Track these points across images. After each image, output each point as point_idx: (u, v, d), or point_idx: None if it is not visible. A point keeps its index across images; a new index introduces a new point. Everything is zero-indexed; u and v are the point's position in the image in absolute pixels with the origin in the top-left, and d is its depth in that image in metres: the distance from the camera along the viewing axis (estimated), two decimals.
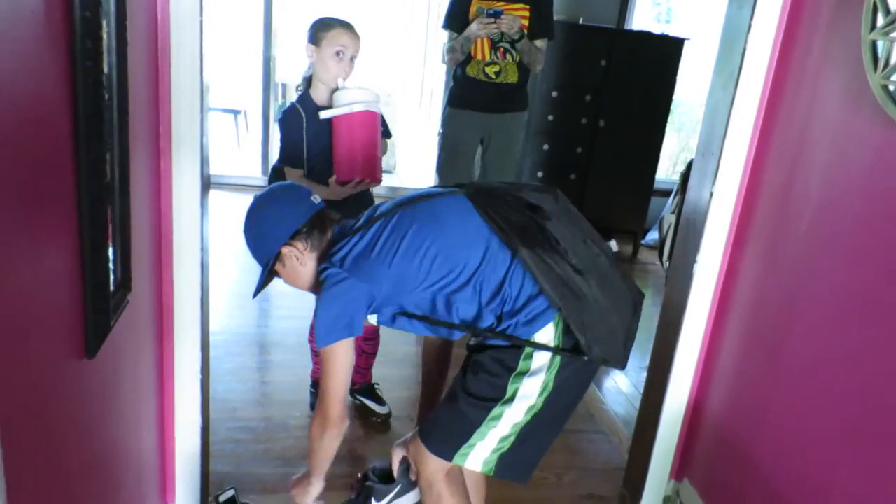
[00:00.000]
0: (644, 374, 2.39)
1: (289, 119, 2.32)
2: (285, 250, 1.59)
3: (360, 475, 1.79)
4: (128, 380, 1.53)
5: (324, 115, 2.24)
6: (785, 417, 1.80)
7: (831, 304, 1.66)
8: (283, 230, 1.58)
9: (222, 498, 1.94)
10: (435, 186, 1.66)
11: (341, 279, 1.51)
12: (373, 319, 1.60)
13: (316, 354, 2.64)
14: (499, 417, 1.52)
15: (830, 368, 1.65)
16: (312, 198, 1.62)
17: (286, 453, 2.38)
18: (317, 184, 2.26)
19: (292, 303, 3.39)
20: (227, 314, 3.43)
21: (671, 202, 3.37)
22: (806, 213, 1.77)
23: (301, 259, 1.60)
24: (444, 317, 1.54)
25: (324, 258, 1.59)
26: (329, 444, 1.62)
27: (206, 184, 1.82)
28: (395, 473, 1.71)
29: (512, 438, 1.55)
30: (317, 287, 1.59)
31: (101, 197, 1.14)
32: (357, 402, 2.73)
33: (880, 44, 1.52)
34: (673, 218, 3.04)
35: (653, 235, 5.29)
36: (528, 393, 1.51)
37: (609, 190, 4.92)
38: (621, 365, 1.57)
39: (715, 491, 2.09)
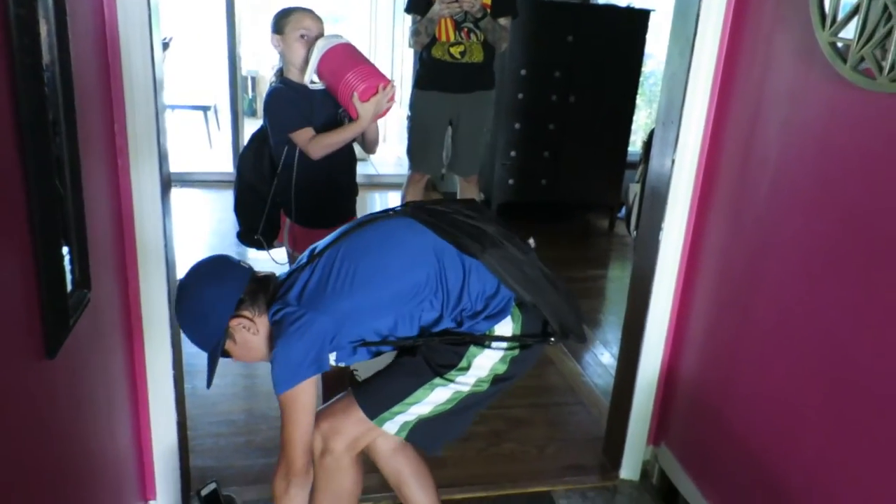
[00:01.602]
0: None
1: (279, 93, 2.30)
2: (233, 324, 1.49)
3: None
4: (97, 379, 1.53)
5: (313, 85, 2.25)
6: (754, 376, 1.83)
7: (794, 261, 1.69)
8: (226, 304, 1.47)
9: (204, 492, 1.94)
10: (372, 213, 1.65)
11: (299, 315, 1.44)
12: (332, 359, 1.53)
13: None
14: (448, 382, 1.54)
15: (796, 324, 1.67)
16: (241, 263, 1.54)
17: (267, 444, 2.38)
18: (336, 131, 2.23)
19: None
20: None
21: (636, 172, 3.40)
22: (766, 173, 1.79)
23: (253, 327, 1.50)
24: (405, 333, 1.53)
25: (271, 306, 1.51)
26: (294, 499, 1.54)
27: (167, 181, 1.81)
28: None
29: (446, 407, 1.56)
30: (269, 353, 1.52)
31: (51, 195, 1.13)
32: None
33: (827, 1, 1.54)
34: (638, 188, 3.07)
35: None
36: (483, 365, 1.54)
37: (583, 165, 4.93)
38: (584, 338, 1.64)
39: (690, 453, 2.12)
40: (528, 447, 2.47)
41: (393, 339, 1.53)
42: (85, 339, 1.40)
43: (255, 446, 2.38)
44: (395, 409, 1.55)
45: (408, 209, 1.60)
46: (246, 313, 1.49)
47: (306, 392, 1.47)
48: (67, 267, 1.25)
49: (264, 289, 1.52)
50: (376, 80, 2.18)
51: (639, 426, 2.27)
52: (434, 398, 1.55)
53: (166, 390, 1.88)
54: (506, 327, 1.54)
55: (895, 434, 1.39)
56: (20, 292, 1.07)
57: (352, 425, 1.57)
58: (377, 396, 1.57)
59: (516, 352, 1.56)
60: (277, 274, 1.59)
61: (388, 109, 2.25)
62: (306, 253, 1.58)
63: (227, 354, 1.55)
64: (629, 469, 2.31)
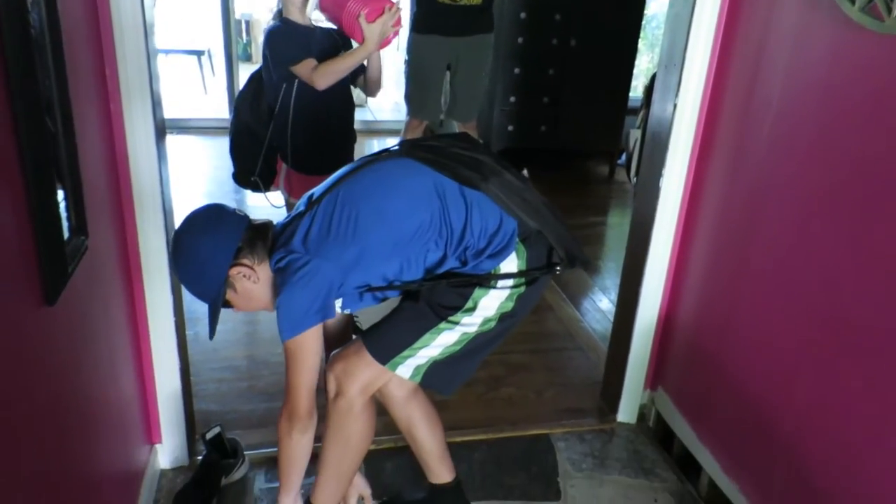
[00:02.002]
0: None
1: (278, 29, 2.25)
2: (233, 273, 1.47)
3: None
4: (98, 326, 1.54)
5: (314, 22, 2.22)
6: (751, 321, 1.84)
7: (793, 205, 1.68)
8: (224, 253, 1.45)
9: (209, 435, 1.98)
10: (368, 155, 1.60)
11: (304, 262, 1.41)
12: (337, 305, 1.53)
13: None
14: (455, 324, 1.53)
15: (793, 268, 1.68)
16: (237, 211, 1.52)
17: (270, 389, 2.42)
18: (340, 57, 2.21)
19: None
20: None
21: (637, 118, 3.35)
22: (767, 117, 1.76)
23: (254, 276, 1.49)
24: (411, 276, 1.52)
25: (272, 254, 1.49)
26: (298, 443, 1.55)
27: (161, 127, 1.79)
28: None
29: (456, 348, 1.56)
30: (270, 300, 1.53)
31: (42, 138, 1.11)
32: None
33: None
34: (639, 133, 3.03)
35: None
36: (490, 305, 1.53)
37: (583, 111, 4.86)
38: (589, 263, 1.61)
39: (687, 397, 2.16)
40: (526, 392, 2.51)
41: (399, 283, 1.52)
42: (84, 286, 1.40)
43: (257, 391, 2.42)
44: (405, 353, 1.54)
45: (403, 149, 1.57)
46: (245, 262, 1.48)
47: (312, 339, 1.46)
48: (63, 214, 1.24)
49: (262, 237, 1.50)
50: (382, 2, 2.14)
51: (636, 371, 2.30)
52: (442, 341, 1.54)
53: (168, 336, 1.90)
54: (510, 265, 1.52)
55: (888, 377, 1.40)
56: (16, 240, 1.06)
57: (365, 368, 1.57)
58: (386, 342, 1.56)
59: (522, 289, 1.55)
60: (275, 221, 1.57)
61: (395, 34, 2.22)
62: (304, 199, 1.55)
63: (228, 305, 1.54)
64: (626, 413, 2.35)
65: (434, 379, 1.59)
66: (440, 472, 1.81)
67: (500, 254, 1.50)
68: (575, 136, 4.96)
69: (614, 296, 3.08)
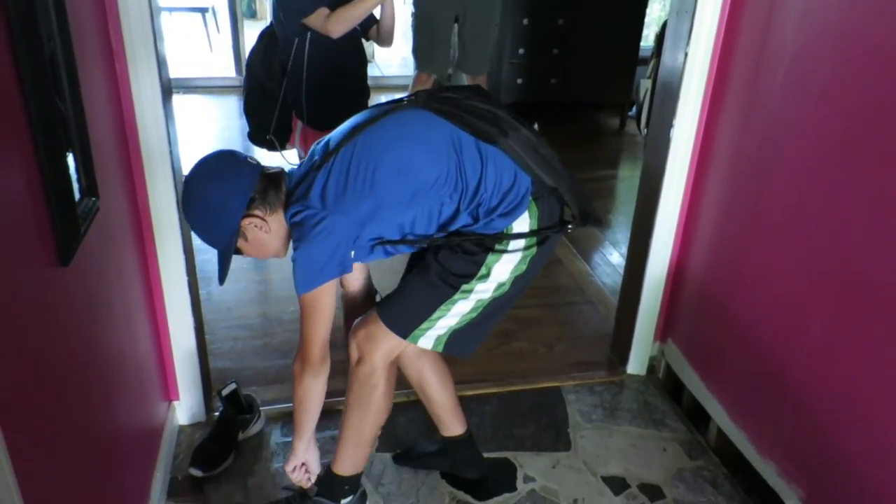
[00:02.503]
0: None
1: None
2: (245, 223, 1.45)
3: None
4: (112, 286, 1.56)
5: None
6: (761, 272, 1.84)
7: (806, 155, 1.66)
8: (236, 203, 1.43)
9: (225, 392, 2.02)
10: (383, 103, 1.56)
11: (321, 218, 1.40)
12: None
13: None
14: (469, 292, 1.53)
15: (805, 218, 1.67)
16: (249, 159, 1.49)
17: (283, 346, 2.45)
18: (354, 4, 2.16)
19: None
20: None
21: (648, 67, 3.30)
22: (781, 63, 1.73)
23: (265, 226, 1.47)
24: (423, 231, 1.51)
25: (288, 207, 1.48)
26: (310, 387, 1.55)
27: (168, 87, 1.78)
28: None
29: (472, 315, 1.56)
30: (281, 248, 1.54)
31: (49, 99, 1.11)
32: None
33: None
34: (649, 83, 2.98)
35: None
36: (503, 270, 1.53)
37: (593, 62, 4.78)
38: (602, 222, 1.60)
39: (696, 348, 2.17)
40: (537, 345, 2.53)
41: (412, 237, 1.51)
42: (97, 247, 1.41)
43: (271, 348, 2.45)
44: (424, 326, 1.55)
45: (419, 99, 1.53)
46: (257, 212, 1.46)
47: (327, 293, 1.45)
48: (73, 175, 1.24)
49: (275, 186, 1.48)
50: None
51: (646, 323, 2.31)
52: (458, 310, 1.55)
53: (182, 295, 1.92)
54: (522, 225, 1.51)
55: None
56: (28, 202, 1.07)
57: (386, 336, 1.57)
58: (403, 317, 1.57)
59: (534, 250, 1.54)
60: (287, 170, 1.54)
61: None
62: (319, 148, 1.51)
63: (238, 251, 1.53)
64: (636, 364, 2.37)
65: (454, 346, 1.60)
66: (452, 425, 1.84)
67: (513, 212, 1.49)
68: (585, 89, 4.89)
69: (624, 249, 3.07)
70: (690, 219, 2.15)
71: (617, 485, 1.93)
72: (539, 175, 1.49)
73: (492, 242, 1.51)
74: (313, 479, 1.71)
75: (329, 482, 1.71)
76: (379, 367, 1.60)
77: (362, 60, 2.37)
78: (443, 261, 1.53)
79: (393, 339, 1.58)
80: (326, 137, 1.54)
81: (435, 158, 1.44)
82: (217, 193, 1.43)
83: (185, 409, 2.07)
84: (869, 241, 1.47)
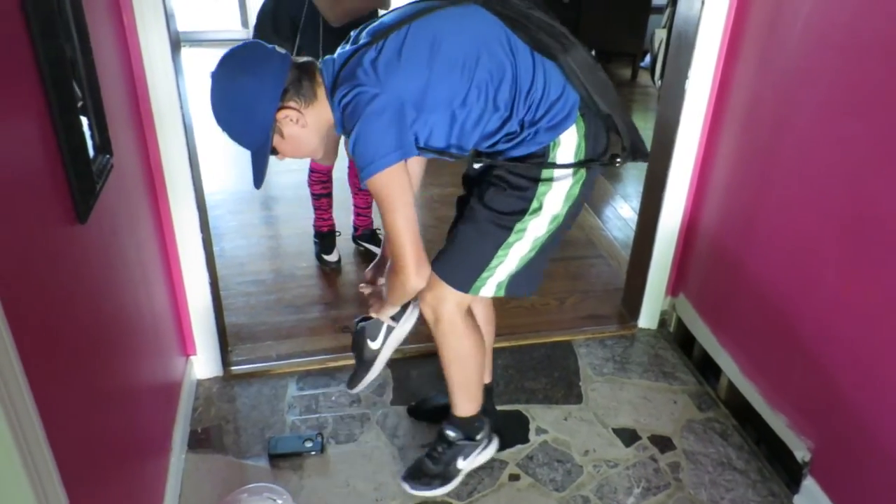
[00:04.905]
0: None
1: None
2: (280, 116, 1.35)
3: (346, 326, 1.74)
4: (128, 242, 1.57)
5: None
6: (775, 224, 1.83)
7: (826, 102, 1.63)
8: (270, 95, 1.33)
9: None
10: None
11: (374, 94, 1.29)
12: None
13: (321, 196, 2.64)
14: (523, 231, 1.48)
15: (821, 171, 1.65)
16: (277, 49, 1.38)
17: (297, 301, 2.48)
18: None
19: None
20: (222, 173, 3.43)
21: (663, 16, 3.22)
22: (802, 9, 1.69)
23: (302, 119, 1.37)
24: (470, 133, 1.41)
25: (334, 90, 1.36)
26: (414, 287, 1.44)
27: (176, 40, 1.76)
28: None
29: (532, 254, 1.51)
30: (319, 146, 1.45)
31: (61, 56, 1.10)
32: (360, 248, 2.80)
33: None
34: (664, 33, 2.92)
35: None
36: (555, 201, 1.47)
37: (605, 11, 4.69)
38: (648, 156, 1.56)
39: (708, 302, 2.18)
40: (548, 299, 2.55)
41: (455, 149, 1.43)
42: (113, 205, 1.42)
43: (285, 303, 2.48)
44: (483, 275, 1.52)
45: None
46: (292, 104, 1.35)
47: (399, 174, 1.33)
48: (87, 132, 1.24)
49: (309, 76, 1.37)
50: None
51: (658, 277, 2.31)
52: (516, 253, 1.51)
53: (196, 252, 1.93)
54: (570, 138, 1.43)
55: None
56: (45, 161, 1.07)
57: (451, 292, 1.54)
58: (460, 271, 1.53)
59: (584, 172, 1.46)
60: (323, 59, 1.42)
61: None
62: (366, 32, 1.40)
63: (273, 151, 1.42)
64: (647, 318, 2.38)
65: (515, 288, 1.57)
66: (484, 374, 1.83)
67: (559, 125, 1.41)
68: (596, 38, 4.79)
69: (636, 203, 3.06)
70: (704, 171, 2.13)
71: (627, 436, 1.96)
72: (594, 98, 1.42)
73: (538, 172, 1.44)
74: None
75: (459, 425, 1.76)
76: (457, 320, 1.58)
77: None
78: (490, 202, 1.47)
79: (458, 293, 1.55)
80: (373, 23, 1.43)
81: (489, 55, 1.36)
82: (249, 86, 1.32)
83: (202, 363, 2.10)
84: (884, 194, 1.46)
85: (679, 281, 2.32)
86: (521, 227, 1.48)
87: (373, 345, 1.68)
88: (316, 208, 2.66)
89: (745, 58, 1.91)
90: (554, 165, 1.43)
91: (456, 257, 1.54)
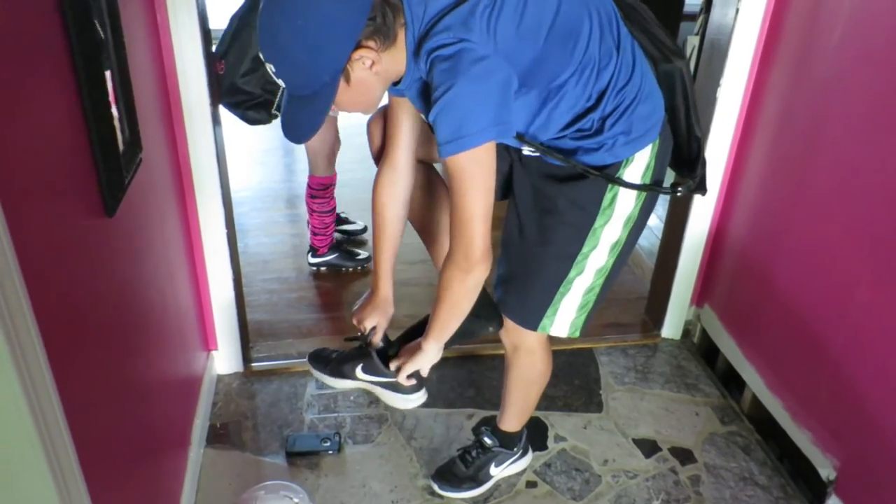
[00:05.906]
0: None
1: None
2: (355, 56, 1.09)
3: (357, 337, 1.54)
4: (155, 237, 1.58)
5: None
6: (805, 238, 1.79)
7: (859, 120, 1.60)
8: (350, 27, 1.07)
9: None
10: None
11: (484, 55, 1.07)
12: None
13: (317, 198, 2.52)
14: (585, 260, 1.35)
15: (854, 185, 1.61)
16: None
17: (318, 300, 2.48)
18: None
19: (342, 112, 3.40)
20: (247, 171, 3.46)
21: (695, 23, 3.19)
22: (839, 20, 1.66)
23: (376, 64, 1.12)
24: (557, 120, 1.24)
25: (424, 38, 1.12)
26: (471, 293, 1.26)
27: (208, 37, 1.77)
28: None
29: (597, 290, 1.40)
30: (378, 101, 1.23)
31: (95, 52, 1.11)
32: (320, 268, 2.69)
33: None
34: (696, 40, 2.88)
35: None
36: (615, 229, 1.34)
37: None
38: (706, 190, 1.46)
39: (734, 314, 2.14)
40: None
41: (529, 138, 1.27)
42: (140, 199, 1.43)
43: (306, 302, 2.48)
44: (548, 313, 1.41)
45: None
46: (371, 43, 1.10)
47: (489, 154, 1.13)
48: (116, 126, 1.25)
49: (395, 12, 1.12)
50: None
51: (683, 287, 2.28)
52: (580, 286, 1.38)
53: (221, 248, 1.94)
54: (644, 155, 1.29)
55: None
56: (74, 152, 1.08)
57: (525, 331, 1.49)
58: (526, 310, 1.44)
59: (646, 197, 1.33)
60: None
61: None
62: None
63: None
64: (671, 328, 2.35)
65: (588, 324, 1.48)
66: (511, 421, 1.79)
67: (641, 139, 1.27)
68: None
69: (662, 211, 3.02)
70: (734, 181, 2.10)
71: (648, 447, 1.93)
72: (692, 117, 1.33)
73: (600, 195, 1.30)
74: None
75: (501, 438, 1.77)
76: (536, 349, 1.56)
77: None
78: (548, 236, 1.36)
79: (537, 335, 1.49)
80: None
81: (600, 38, 1.20)
82: (326, 9, 1.05)
83: (223, 358, 2.11)
84: None
85: (704, 291, 2.29)
86: (584, 255, 1.35)
87: (360, 374, 1.47)
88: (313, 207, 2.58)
89: (779, 68, 1.88)
90: (620, 182, 1.29)
91: (515, 293, 1.45)
